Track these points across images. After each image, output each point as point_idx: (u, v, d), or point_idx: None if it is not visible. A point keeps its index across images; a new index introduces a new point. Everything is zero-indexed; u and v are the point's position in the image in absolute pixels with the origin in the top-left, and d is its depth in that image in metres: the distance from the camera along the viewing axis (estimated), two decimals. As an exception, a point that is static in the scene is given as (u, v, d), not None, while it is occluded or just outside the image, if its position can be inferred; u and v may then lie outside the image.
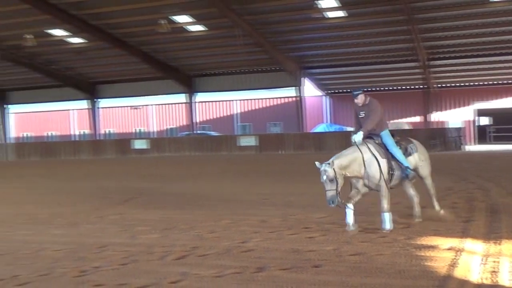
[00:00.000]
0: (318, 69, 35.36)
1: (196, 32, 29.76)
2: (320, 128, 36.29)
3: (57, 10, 26.51)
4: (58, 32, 30.20)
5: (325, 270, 5.84)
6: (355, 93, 8.29)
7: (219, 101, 44.06)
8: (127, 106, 47.19)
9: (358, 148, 7.85)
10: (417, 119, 38.47)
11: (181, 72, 36.46)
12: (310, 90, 37.97)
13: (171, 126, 46.62)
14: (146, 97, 42.03)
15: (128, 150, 35.10)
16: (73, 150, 36.60)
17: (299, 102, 34.97)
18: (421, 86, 36.30)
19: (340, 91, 40.40)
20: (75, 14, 27.31)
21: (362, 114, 8.21)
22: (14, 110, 45.42)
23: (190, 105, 37.82)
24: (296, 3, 25.82)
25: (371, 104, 8.23)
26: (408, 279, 5.37)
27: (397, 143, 8.21)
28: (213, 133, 40.64)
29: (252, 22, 27.61)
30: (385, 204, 7.75)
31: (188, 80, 37.09)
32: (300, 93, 34.65)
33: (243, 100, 44.21)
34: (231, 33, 28.47)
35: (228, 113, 45.67)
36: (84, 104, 40.90)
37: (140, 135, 45.18)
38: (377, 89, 38.84)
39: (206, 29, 29.24)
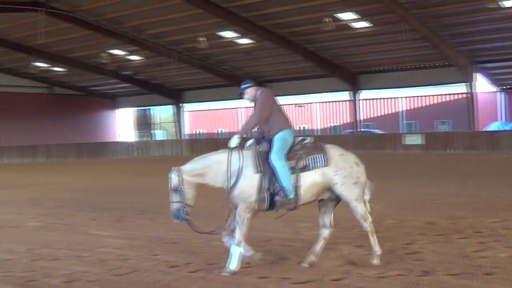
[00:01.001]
0: (492, 63, 32.95)
1: (361, 29, 29.41)
2: (493, 127, 33.93)
3: (227, 13, 27.86)
4: (228, 34, 31.71)
5: (498, 278, 5.45)
6: (242, 86, 6.56)
7: (383, 98, 43.14)
8: (291, 104, 48.18)
9: (229, 153, 6.23)
10: None
11: (345, 69, 36.28)
12: (482, 85, 35.53)
13: (335, 124, 46.69)
14: (310, 95, 42.50)
15: (292, 147, 35.78)
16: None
17: (470, 98, 32.94)
18: None
19: (518, 86, 37.34)
20: (244, 16, 28.47)
21: None
22: (188, 108, 48.62)
23: (354, 102, 37.52)
24: (469, -6, 24.38)
25: (260, 97, 6.44)
26: None
27: (294, 151, 6.25)
28: (377, 131, 39.92)
29: (420, 16, 26.56)
30: (237, 234, 6.07)
31: (352, 78, 36.80)
32: (471, 89, 32.61)
33: (409, 97, 42.82)
34: (397, 29, 27.66)
35: (393, 111, 44.56)
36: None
37: (304, 133, 45.85)
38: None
39: (371, 25, 28.75)
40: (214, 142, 40.76)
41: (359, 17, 27.75)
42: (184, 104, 46.53)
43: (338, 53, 33.96)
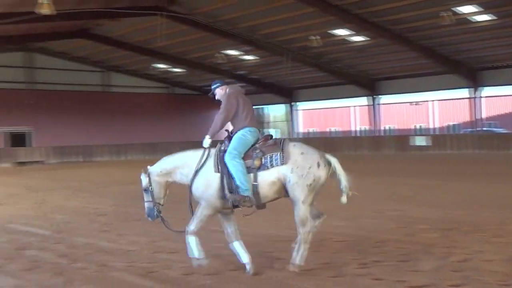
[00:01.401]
0: None
1: (483, 22, 27.85)
2: None
3: (340, 10, 27.54)
4: (341, 32, 31.36)
5: None
6: (212, 87, 6.62)
7: (508, 95, 40.71)
8: (406, 102, 46.79)
9: (194, 153, 6.32)
10: None
11: (464, 65, 34.60)
12: None
13: (453, 123, 44.78)
14: (426, 92, 41.08)
15: (407, 146, 34.81)
16: (354, 145, 37.77)
17: None
18: None
19: None
20: (357, 13, 28.00)
21: None
22: (301, 107, 48.79)
23: (474, 100, 35.70)
24: None
25: (224, 96, 6.41)
26: None
27: (253, 150, 6.11)
28: (501, 130, 37.75)
29: (550, 6, 24.76)
30: (192, 226, 6.22)
31: (472, 74, 35.03)
32: None
33: (537, 94, 40.02)
34: (523, 21, 26.00)
35: (519, 109, 41.95)
36: (364, 100, 41.80)
37: (420, 132, 44.40)
38: None
39: (495, 18, 27.15)
40: (327, 141, 40.64)
41: (481, 9, 26.31)
42: (297, 103, 46.73)
43: (457, 48, 32.43)
